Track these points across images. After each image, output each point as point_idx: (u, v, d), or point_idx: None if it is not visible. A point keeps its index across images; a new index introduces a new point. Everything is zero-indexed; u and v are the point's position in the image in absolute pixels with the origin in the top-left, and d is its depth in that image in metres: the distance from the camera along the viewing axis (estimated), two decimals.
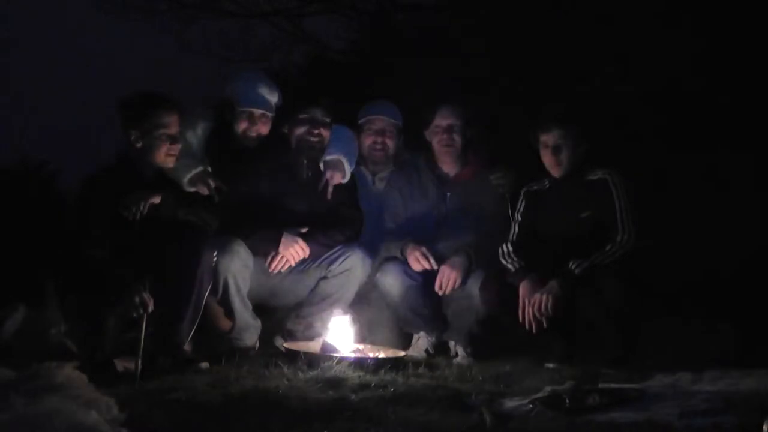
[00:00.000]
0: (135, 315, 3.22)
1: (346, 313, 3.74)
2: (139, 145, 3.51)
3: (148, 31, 9.11)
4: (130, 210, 3.35)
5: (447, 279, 3.85)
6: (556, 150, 3.78)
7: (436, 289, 3.87)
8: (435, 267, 3.88)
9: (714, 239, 4.93)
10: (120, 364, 3.26)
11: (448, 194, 4.14)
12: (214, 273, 3.57)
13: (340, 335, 3.64)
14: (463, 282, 3.87)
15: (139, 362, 3.16)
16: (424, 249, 3.91)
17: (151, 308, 3.22)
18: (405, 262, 3.94)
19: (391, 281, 3.92)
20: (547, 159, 3.82)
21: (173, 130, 3.55)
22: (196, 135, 3.95)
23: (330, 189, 4.01)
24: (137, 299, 3.20)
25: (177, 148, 3.58)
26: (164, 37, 9.13)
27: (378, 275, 3.94)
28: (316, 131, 3.98)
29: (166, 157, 3.55)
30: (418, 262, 3.90)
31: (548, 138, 3.79)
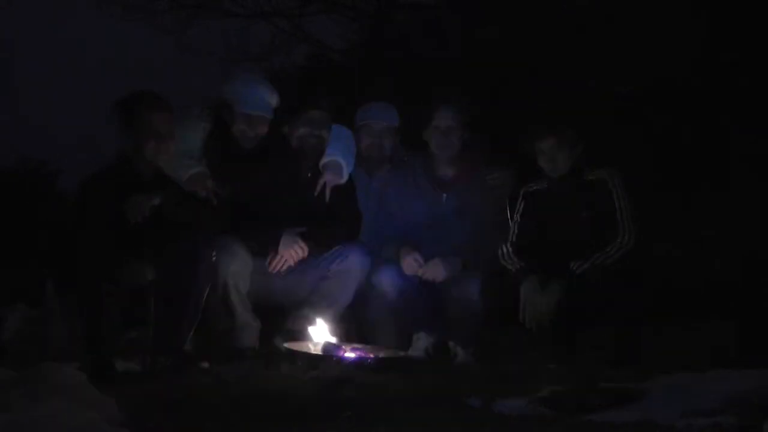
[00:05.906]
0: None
1: (329, 318, 3.73)
2: (129, 143, 3.51)
3: (148, 31, 9.13)
4: (132, 213, 3.35)
5: (432, 271, 3.88)
6: (552, 155, 3.77)
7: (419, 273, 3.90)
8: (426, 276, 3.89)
9: (714, 239, 4.93)
10: (120, 364, 3.26)
11: (445, 195, 4.13)
12: (214, 273, 3.57)
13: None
14: (457, 283, 3.87)
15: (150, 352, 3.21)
16: (417, 255, 3.91)
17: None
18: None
19: (389, 282, 3.92)
20: (543, 164, 3.81)
21: (161, 128, 3.52)
22: (194, 136, 3.94)
23: (328, 192, 4.00)
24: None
25: (167, 146, 3.54)
26: (164, 37, 9.15)
27: (375, 277, 3.94)
28: (317, 132, 3.97)
29: (155, 155, 3.53)
30: (412, 268, 3.91)
31: (543, 144, 3.79)
